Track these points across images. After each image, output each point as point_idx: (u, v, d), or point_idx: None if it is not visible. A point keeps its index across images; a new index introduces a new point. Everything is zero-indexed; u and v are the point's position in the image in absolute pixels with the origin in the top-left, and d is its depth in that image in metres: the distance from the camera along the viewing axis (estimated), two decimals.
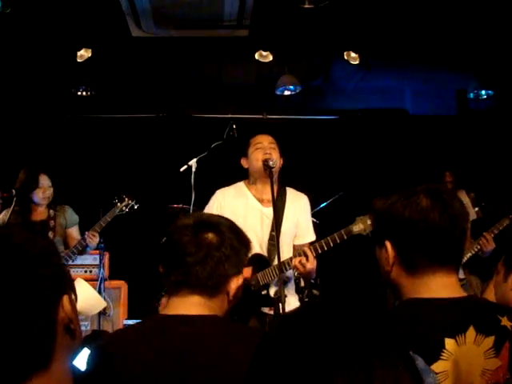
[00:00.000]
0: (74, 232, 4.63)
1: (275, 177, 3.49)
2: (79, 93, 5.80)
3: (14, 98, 6.31)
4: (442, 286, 1.49)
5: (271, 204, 3.44)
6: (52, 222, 4.49)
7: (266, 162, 3.46)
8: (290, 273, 3.56)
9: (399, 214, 1.52)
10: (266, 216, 3.57)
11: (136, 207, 4.58)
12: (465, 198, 4.95)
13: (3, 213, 4.50)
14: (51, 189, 4.50)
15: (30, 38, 5.30)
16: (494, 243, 4.40)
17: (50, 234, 4.45)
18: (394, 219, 1.53)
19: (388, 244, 1.54)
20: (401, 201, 1.54)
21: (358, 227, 3.34)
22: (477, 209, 4.74)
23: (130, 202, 4.54)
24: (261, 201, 3.62)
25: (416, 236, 1.50)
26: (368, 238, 3.28)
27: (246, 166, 3.67)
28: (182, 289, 1.68)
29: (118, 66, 6.11)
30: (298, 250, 3.63)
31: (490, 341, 1.41)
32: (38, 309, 0.92)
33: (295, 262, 3.32)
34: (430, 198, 1.51)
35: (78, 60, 5.35)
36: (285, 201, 3.62)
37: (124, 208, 4.50)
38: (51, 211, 4.52)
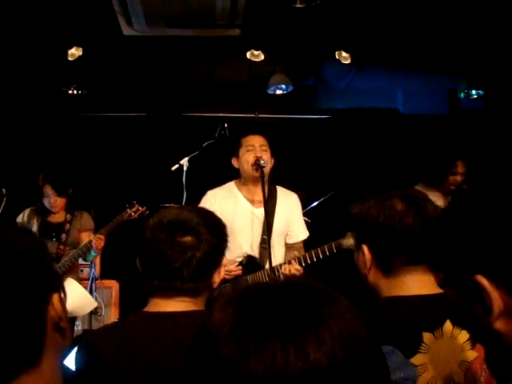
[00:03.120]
0: (85, 238, 4.68)
1: (266, 177, 3.49)
2: (70, 91, 5.77)
3: (3, 96, 6.27)
4: (417, 284, 1.55)
5: (262, 205, 3.45)
6: (67, 225, 4.63)
7: (257, 162, 3.46)
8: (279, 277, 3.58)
9: (374, 218, 1.58)
10: (256, 217, 3.58)
11: (146, 214, 4.60)
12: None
13: (26, 211, 4.70)
14: (58, 198, 4.58)
15: (20, 36, 5.27)
16: None
17: (63, 237, 4.58)
18: (370, 223, 1.59)
19: (365, 247, 1.60)
20: (376, 205, 1.60)
21: (348, 242, 3.30)
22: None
23: (140, 208, 4.56)
24: (252, 202, 3.62)
25: (391, 239, 1.55)
26: None
27: (236, 166, 3.67)
28: (166, 291, 1.69)
29: (110, 65, 6.09)
30: (291, 249, 3.63)
31: (466, 333, 1.48)
32: (28, 307, 0.91)
33: (284, 270, 3.34)
34: (404, 202, 1.56)
35: (69, 58, 5.32)
36: (275, 200, 3.63)
37: (133, 214, 4.52)
38: (68, 215, 4.66)
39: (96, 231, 4.59)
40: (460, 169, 4.76)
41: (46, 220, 4.64)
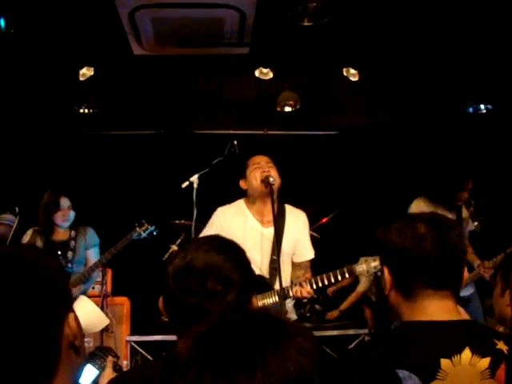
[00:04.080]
0: (93, 253, 4.70)
1: (275, 195, 3.47)
2: (81, 110, 5.83)
3: (16, 115, 6.34)
4: (438, 309, 1.53)
5: (271, 224, 3.45)
6: (73, 243, 4.59)
7: (266, 179, 3.45)
8: (288, 277, 3.58)
9: (393, 241, 1.58)
10: (266, 237, 3.56)
11: (155, 233, 4.61)
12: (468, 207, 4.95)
13: (28, 232, 4.63)
14: (71, 211, 4.59)
15: (33, 57, 5.34)
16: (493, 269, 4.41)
17: (70, 255, 4.55)
18: (389, 246, 1.60)
19: (385, 270, 1.62)
20: (398, 228, 1.60)
21: (361, 268, 3.30)
22: (476, 223, 4.73)
23: (149, 227, 4.58)
24: (261, 222, 3.61)
25: (409, 263, 1.55)
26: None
27: (244, 187, 3.65)
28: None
29: (120, 84, 6.14)
30: (297, 268, 3.61)
31: (485, 362, 1.44)
32: (45, 325, 0.93)
33: (295, 292, 3.33)
34: (427, 227, 1.56)
35: (81, 78, 5.40)
36: (284, 219, 3.61)
37: (142, 233, 4.54)
38: (72, 232, 4.63)
39: (106, 249, 4.60)
40: (470, 186, 4.79)
41: (50, 239, 4.58)
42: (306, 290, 3.31)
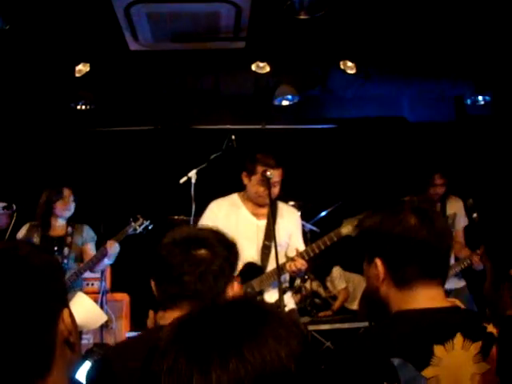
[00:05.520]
0: (90, 248, 4.70)
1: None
2: (78, 107, 5.84)
3: (13, 113, 6.34)
4: (429, 297, 1.56)
5: (265, 217, 3.60)
6: (69, 239, 4.61)
7: (263, 173, 3.50)
8: (283, 277, 3.64)
9: (388, 231, 1.58)
10: (260, 228, 3.70)
11: (150, 227, 4.62)
12: (457, 203, 4.97)
13: (25, 227, 4.66)
14: (73, 203, 4.62)
15: (29, 53, 5.33)
16: None
17: (66, 250, 4.57)
18: (385, 237, 1.59)
19: (378, 261, 1.60)
20: (389, 219, 1.60)
21: (347, 229, 3.46)
22: (475, 214, 4.74)
23: (144, 221, 4.62)
24: (255, 215, 3.74)
25: (407, 252, 1.56)
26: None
27: (245, 182, 3.71)
28: (180, 302, 1.70)
29: (117, 80, 6.15)
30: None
31: (477, 346, 1.47)
32: (39, 321, 0.94)
33: (289, 267, 3.46)
34: (416, 216, 1.58)
35: (77, 75, 5.39)
36: (276, 214, 3.69)
37: (137, 228, 4.56)
38: (69, 228, 4.65)
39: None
40: (438, 181, 4.84)
41: (46, 234, 4.59)
42: (300, 263, 3.44)
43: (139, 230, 4.62)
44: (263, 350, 0.77)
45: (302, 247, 3.71)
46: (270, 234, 3.55)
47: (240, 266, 3.51)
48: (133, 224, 4.59)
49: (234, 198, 3.80)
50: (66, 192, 4.60)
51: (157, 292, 1.76)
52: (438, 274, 1.58)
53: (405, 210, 1.60)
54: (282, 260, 3.54)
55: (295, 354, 0.79)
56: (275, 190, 3.61)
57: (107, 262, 4.59)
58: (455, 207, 4.91)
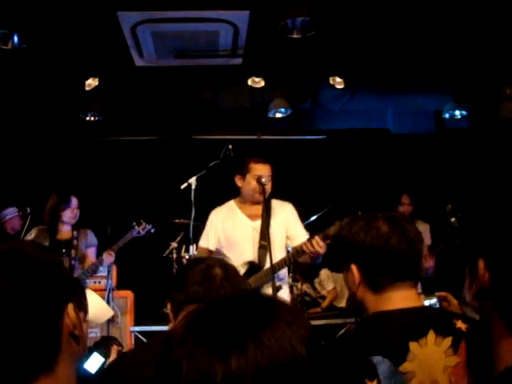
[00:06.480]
0: (91, 253, 4.73)
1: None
2: (88, 118, 5.88)
3: (27, 123, 6.37)
4: (402, 298, 1.56)
5: (259, 218, 3.61)
6: (75, 242, 4.62)
7: (258, 180, 3.54)
8: (282, 273, 3.66)
9: (362, 240, 1.58)
10: (255, 229, 3.69)
11: (153, 231, 4.65)
12: (423, 225, 5.03)
13: (33, 230, 4.65)
14: (78, 210, 4.63)
15: (43, 69, 5.38)
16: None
17: (73, 253, 4.58)
18: (358, 245, 1.59)
19: (353, 267, 1.60)
20: (363, 228, 1.59)
21: (334, 229, 3.40)
22: (453, 219, 4.78)
23: (147, 226, 4.66)
24: (250, 217, 3.73)
25: (378, 259, 1.56)
26: None
27: (239, 185, 3.73)
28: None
29: (123, 93, 6.18)
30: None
31: (448, 341, 1.49)
32: (44, 315, 0.93)
33: (306, 248, 3.37)
34: (388, 224, 1.57)
35: (86, 88, 5.43)
36: (271, 210, 3.70)
37: (141, 231, 4.59)
38: (75, 232, 4.66)
39: (110, 246, 4.63)
40: (406, 201, 4.90)
41: (55, 238, 4.59)
42: (316, 243, 3.34)
43: (142, 233, 4.67)
44: (277, 334, 0.77)
45: (303, 236, 3.67)
46: (264, 234, 3.56)
47: (241, 266, 3.58)
48: (136, 228, 4.64)
49: (231, 204, 3.82)
50: (74, 201, 4.60)
51: (172, 307, 1.83)
52: (410, 278, 1.58)
53: (378, 218, 1.59)
54: (277, 255, 3.57)
55: (304, 339, 0.79)
56: (267, 187, 3.59)
57: (101, 269, 4.67)
58: (421, 229, 4.96)
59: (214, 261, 1.91)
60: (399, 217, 1.65)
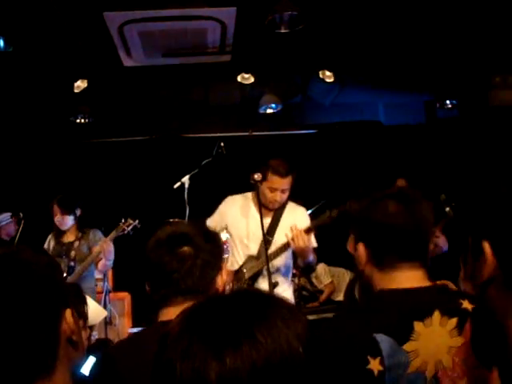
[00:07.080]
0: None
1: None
2: (78, 120, 5.85)
3: (16, 127, 6.33)
4: (408, 278, 1.56)
5: (270, 217, 3.67)
6: (77, 243, 4.71)
7: (272, 191, 3.56)
8: (279, 262, 3.66)
9: (369, 218, 1.59)
10: (264, 225, 3.67)
11: (139, 226, 4.65)
12: None
13: (49, 237, 4.83)
14: (63, 216, 4.68)
15: (31, 72, 5.34)
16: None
17: (72, 254, 4.65)
18: (365, 223, 1.61)
19: (360, 246, 1.61)
20: (369, 205, 1.60)
21: (324, 217, 3.49)
22: (448, 208, 4.77)
23: (132, 222, 4.66)
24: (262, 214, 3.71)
25: (386, 238, 1.56)
26: None
27: (255, 182, 3.60)
28: (174, 298, 1.68)
29: (113, 94, 6.16)
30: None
31: (453, 322, 1.49)
32: (42, 321, 0.93)
33: (289, 237, 3.43)
34: (396, 203, 1.56)
35: (75, 90, 5.40)
36: (282, 212, 3.73)
37: (126, 228, 4.58)
38: (79, 233, 4.75)
39: None
40: (400, 185, 4.91)
41: (59, 240, 4.75)
42: (297, 233, 3.40)
43: (127, 230, 4.65)
44: (273, 332, 0.76)
45: (312, 243, 3.65)
46: (271, 231, 3.60)
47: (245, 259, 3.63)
48: (121, 225, 4.64)
49: (248, 196, 3.80)
50: (55, 209, 4.66)
51: (151, 292, 1.75)
52: (416, 257, 1.57)
53: (385, 196, 1.59)
54: (281, 257, 3.58)
55: (301, 336, 0.79)
56: (283, 196, 3.60)
57: (107, 263, 4.61)
58: None
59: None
60: (410, 195, 1.62)
